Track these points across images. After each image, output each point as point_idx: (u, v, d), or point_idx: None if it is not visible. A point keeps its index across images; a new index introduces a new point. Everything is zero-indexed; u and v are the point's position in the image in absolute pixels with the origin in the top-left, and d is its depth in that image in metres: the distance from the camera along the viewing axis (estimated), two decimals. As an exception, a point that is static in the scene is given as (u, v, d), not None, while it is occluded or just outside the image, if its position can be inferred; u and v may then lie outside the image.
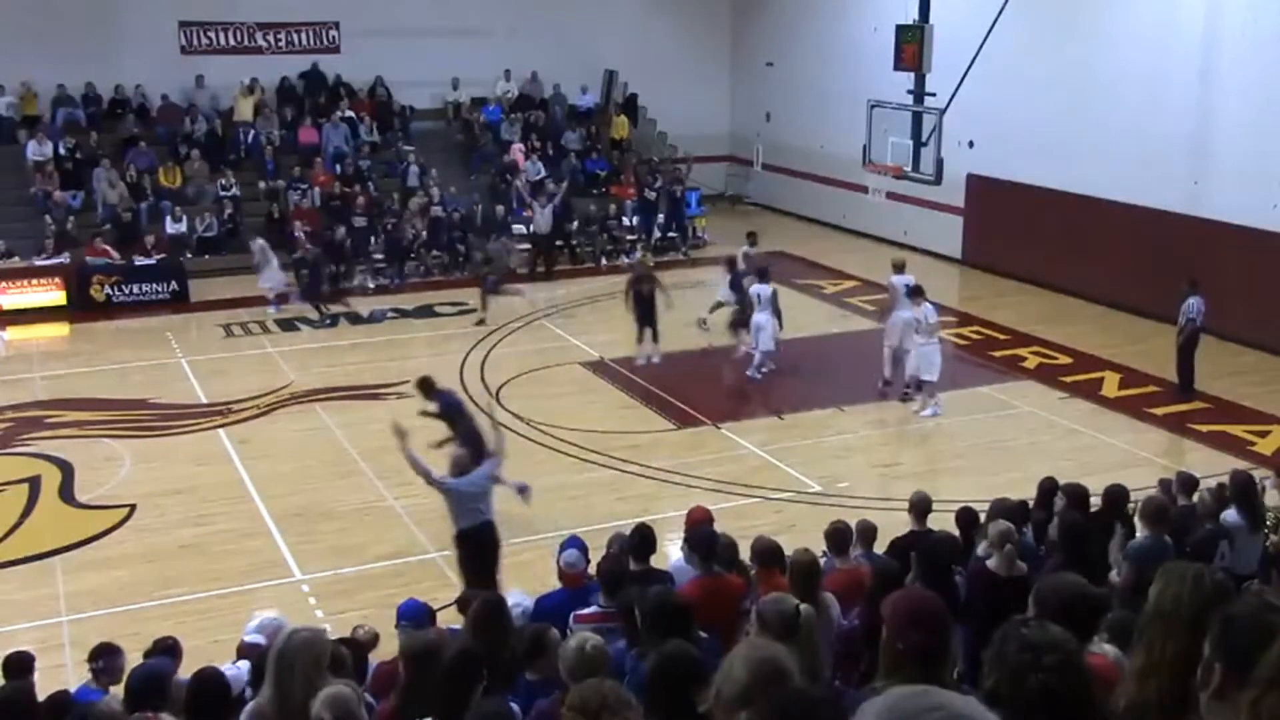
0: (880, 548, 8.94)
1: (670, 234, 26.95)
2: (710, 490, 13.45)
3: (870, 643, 5.41)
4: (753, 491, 13.71)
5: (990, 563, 7.55)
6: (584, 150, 28.85)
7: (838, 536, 8.33)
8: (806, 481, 14.04)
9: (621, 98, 30.39)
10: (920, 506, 9.34)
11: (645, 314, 18.16)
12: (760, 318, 17.51)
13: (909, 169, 20.78)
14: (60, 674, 9.16)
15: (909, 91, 20.73)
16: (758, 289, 17.61)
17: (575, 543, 8.65)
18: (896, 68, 20.83)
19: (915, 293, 16.38)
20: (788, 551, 7.45)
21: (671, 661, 4.09)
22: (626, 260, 25.46)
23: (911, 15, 20.78)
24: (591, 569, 8.32)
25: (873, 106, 21.43)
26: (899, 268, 18.01)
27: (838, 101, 26.36)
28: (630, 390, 17.49)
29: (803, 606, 5.16)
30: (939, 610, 3.68)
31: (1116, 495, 9.37)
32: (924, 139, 20.31)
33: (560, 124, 29.30)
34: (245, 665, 7.24)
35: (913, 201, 24.73)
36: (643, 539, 8.26)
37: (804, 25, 29.22)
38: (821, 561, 7.50)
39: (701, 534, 8.06)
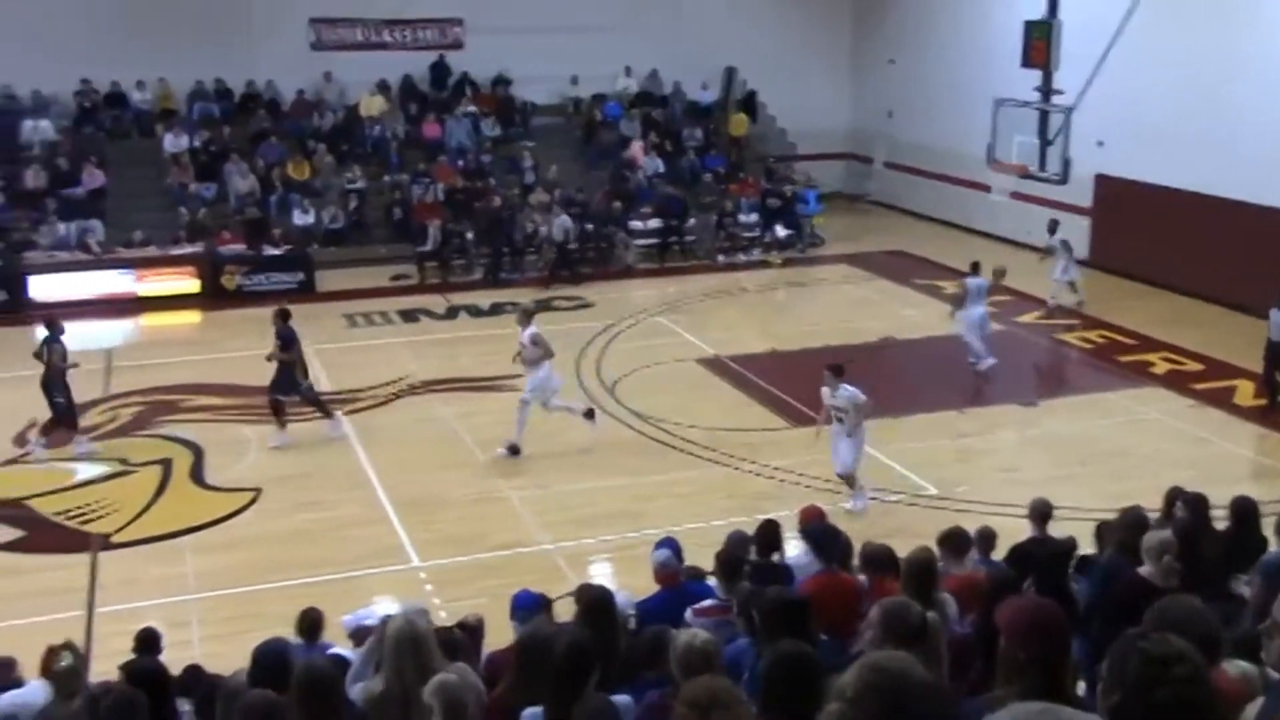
0: (1000, 554, 8.75)
1: (787, 232, 26.76)
2: (822, 490, 13.35)
3: (984, 651, 5.31)
4: (871, 494, 13.56)
5: (1145, 571, 7.22)
6: (703, 147, 28.84)
7: (954, 541, 8.17)
8: (922, 484, 13.85)
9: (741, 94, 30.32)
10: (1040, 512, 9.13)
11: None
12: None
13: (1035, 168, 20.36)
14: (188, 650, 9.45)
15: (1036, 89, 20.35)
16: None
17: (669, 544, 8.63)
18: (1024, 64, 20.45)
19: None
20: (901, 554, 7.34)
21: (787, 661, 4.07)
22: (743, 258, 25.43)
23: (1040, 10, 20.37)
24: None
25: (999, 104, 21.05)
26: (974, 269, 18.04)
27: (962, 99, 25.94)
28: (746, 388, 17.45)
29: (929, 614, 5.03)
30: (1059, 619, 3.59)
31: (1244, 507, 9.04)
32: (1051, 138, 19.89)
33: (680, 120, 29.35)
34: (346, 649, 7.39)
35: (1038, 201, 24.18)
36: (768, 534, 8.25)
37: (929, 21, 28.79)
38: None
39: (822, 528, 7.98)
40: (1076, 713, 2.05)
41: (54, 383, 15.05)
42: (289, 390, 15.39)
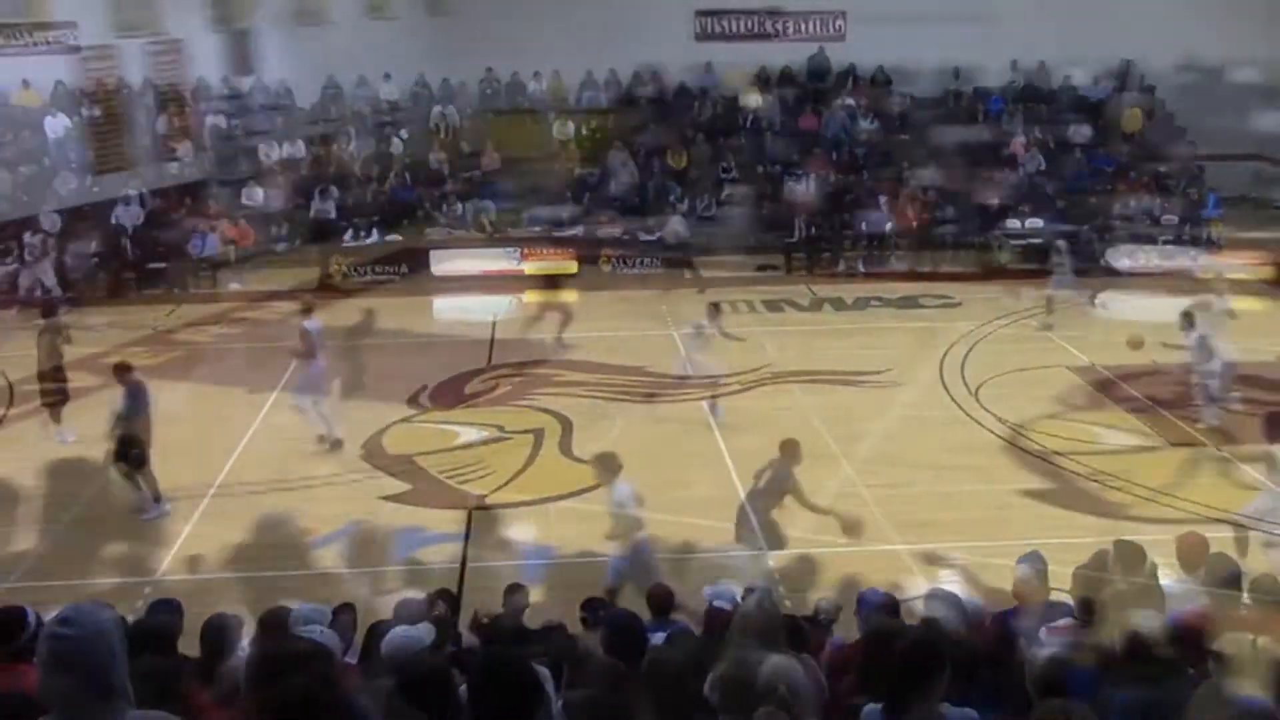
0: None
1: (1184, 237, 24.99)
2: (1195, 519, 12.38)
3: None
4: (1253, 524, 12.49)
5: None
6: (1092, 144, 27.38)
7: None
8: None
9: (1137, 88, 28.52)
10: None
11: None
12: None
13: None
14: (549, 614, 9.94)
15: None
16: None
17: (1033, 559, 8.27)
18: None
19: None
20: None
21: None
22: (1128, 262, 23.96)
23: None
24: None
25: None
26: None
27: None
28: (1121, 401, 16.49)
29: None
30: None
31: None
32: None
33: (1066, 116, 27.98)
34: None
35: None
36: (1130, 553, 7.80)
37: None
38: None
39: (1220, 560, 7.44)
40: None
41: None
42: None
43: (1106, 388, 16.99)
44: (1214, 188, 26.25)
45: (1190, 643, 5.25)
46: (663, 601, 8.07)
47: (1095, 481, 13.76)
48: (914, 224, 24.17)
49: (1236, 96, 28.70)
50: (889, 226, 24.28)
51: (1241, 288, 20.32)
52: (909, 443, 14.90)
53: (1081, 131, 27.50)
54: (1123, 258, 24.12)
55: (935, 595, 7.26)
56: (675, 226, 23.51)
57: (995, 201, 24.85)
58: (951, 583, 10.91)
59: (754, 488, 11.89)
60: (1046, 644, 6.39)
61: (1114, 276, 23.37)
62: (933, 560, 11.97)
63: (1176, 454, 14.63)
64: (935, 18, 26.66)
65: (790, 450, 11.61)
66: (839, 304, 21.84)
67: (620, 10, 27.42)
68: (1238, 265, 22.61)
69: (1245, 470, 13.90)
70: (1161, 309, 17.42)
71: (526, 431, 15.70)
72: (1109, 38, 27.72)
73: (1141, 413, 15.95)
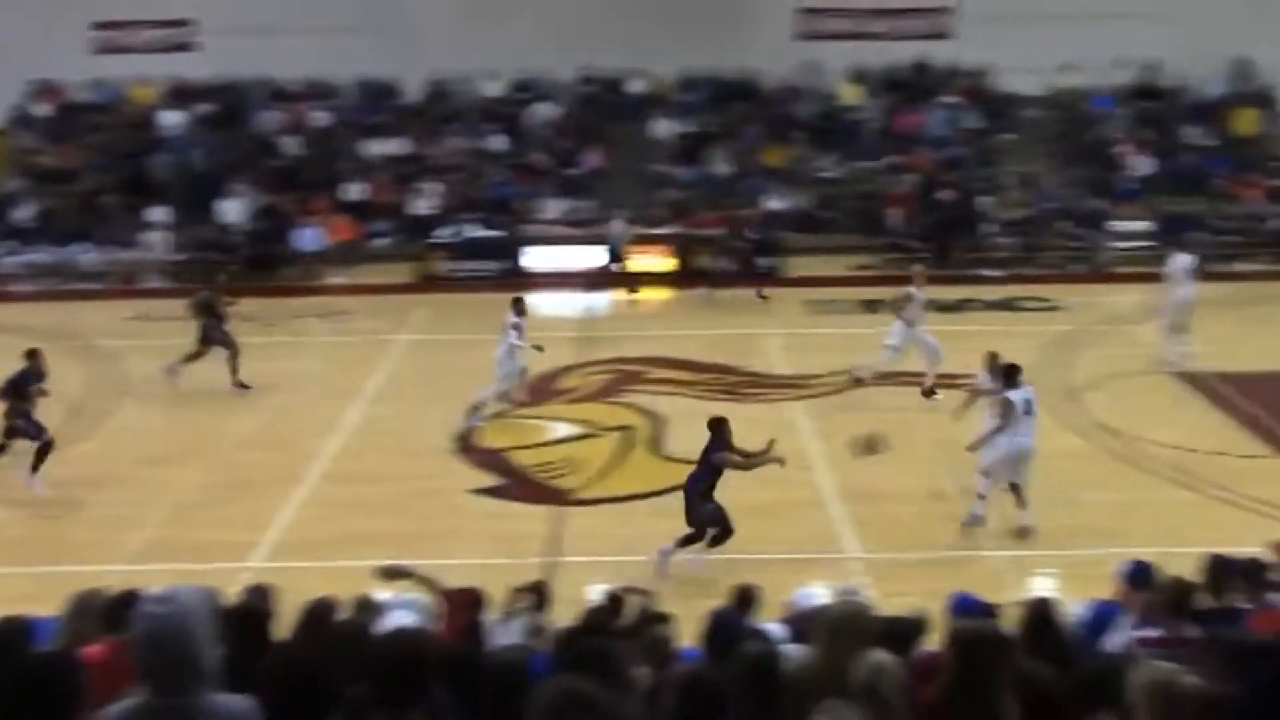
0: None
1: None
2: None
3: None
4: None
5: None
6: (1206, 146, 26.58)
7: None
8: None
9: (1255, 88, 27.66)
10: None
11: None
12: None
13: None
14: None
15: None
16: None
17: (1137, 565, 8.06)
18: None
19: None
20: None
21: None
22: (1245, 267, 23.26)
23: None
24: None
25: None
26: None
27: None
28: (1226, 408, 16.02)
29: None
30: None
31: None
32: None
33: (1180, 116, 27.25)
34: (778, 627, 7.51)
35: None
36: (1214, 571, 7.57)
37: None
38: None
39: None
40: None
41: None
42: None
43: (1212, 393, 16.49)
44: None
45: None
46: (748, 600, 8.05)
47: (1196, 489, 13.38)
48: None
49: None
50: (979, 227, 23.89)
51: None
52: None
53: (1194, 133, 26.73)
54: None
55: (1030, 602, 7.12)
56: (616, 228, 23.16)
57: (1101, 203, 24.27)
58: (1046, 592, 10.70)
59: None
60: (1140, 655, 6.23)
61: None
62: (1024, 567, 11.76)
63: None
64: (1045, 14, 26.05)
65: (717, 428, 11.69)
66: (935, 305, 21.46)
67: (725, 7, 27.29)
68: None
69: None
70: None
71: (618, 428, 15.74)
72: (1226, 35, 26.91)
73: (1247, 420, 15.48)
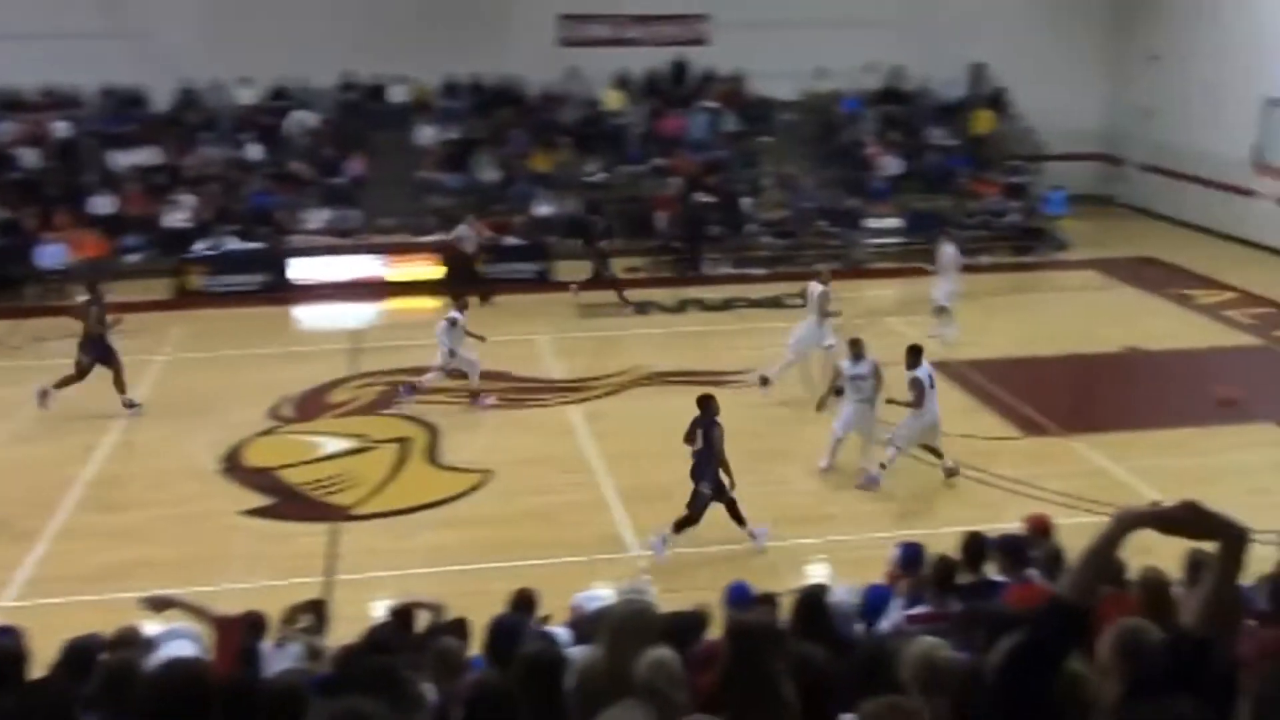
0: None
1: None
2: (1055, 504, 12.82)
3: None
4: (1103, 509, 12.96)
5: None
6: (947, 146, 28.12)
7: (1197, 565, 7.72)
8: (1166, 504, 13.10)
9: (988, 91, 29.41)
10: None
11: None
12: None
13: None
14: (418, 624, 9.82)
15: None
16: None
17: (909, 547, 8.47)
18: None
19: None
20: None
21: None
22: (986, 260, 24.70)
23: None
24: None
25: (1271, 105, 19.78)
26: None
27: (1228, 99, 24.45)
28: (978, 394, 16.96)
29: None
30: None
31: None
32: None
33: (924, 118, 28.72)
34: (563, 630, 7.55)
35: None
36: (972, 547, 8.00)
37: (1194, 17, 27.25)
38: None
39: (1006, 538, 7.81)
40: None
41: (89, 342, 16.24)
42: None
43: (964, 380, 17.44)
44: (1059, 185, 27.23)
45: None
46: (527, 603, 8.09)
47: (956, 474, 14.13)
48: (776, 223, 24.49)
49: (1080, 98, 29.80)
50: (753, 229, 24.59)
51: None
52: (785, 442, 15.12)
53: (938, 134, 28.22)
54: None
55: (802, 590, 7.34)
56: (461, 231, 23.15)
57: (854, 201, 25.32)
58: (820, 577, 11.09)
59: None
60: (908, 630, 6.52)
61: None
62: (798, 555, 12.15)
63: (1028, 443, 15.08)
64: (795, 22, 27.04)
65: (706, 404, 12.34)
66: (704, 304, 22.04)
67: (486, 15, 27.15)
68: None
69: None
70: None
71: (392, 440, 15.49)
72: (962, 41, 28.52)
73: (998, 405, 16.42)
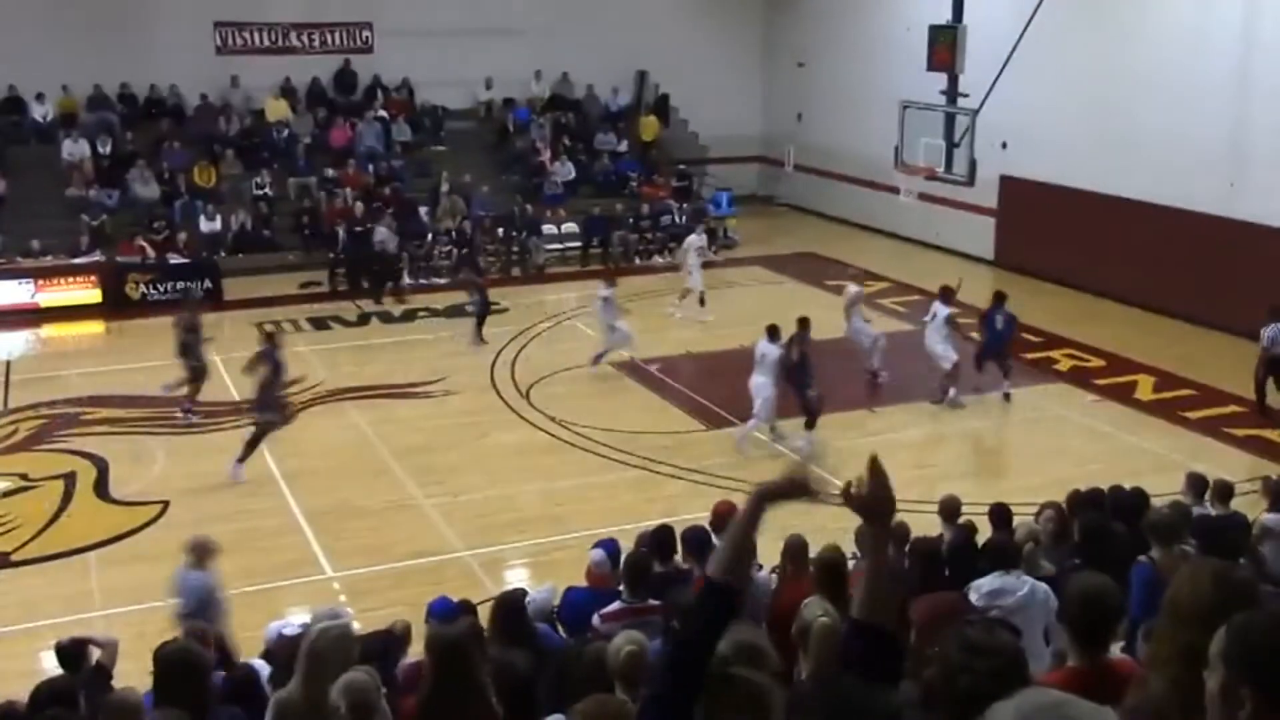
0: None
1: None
2: (740, 492, 13.38)
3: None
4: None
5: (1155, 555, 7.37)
6: (618, 151, 28.85)
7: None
8: (838, 483, 13.90)
9: (653, 98, 30.39)
10: (948, 509, 9.28)
11: None
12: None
13: (941, 170, 20.68)
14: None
15: (942, 92, 20.64)
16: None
17: (607, 545, 8.64)
18: (930, 68, 20.74)
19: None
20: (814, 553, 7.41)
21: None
22: (660, 261, 25.49)
23: (945, 15, 20.71)
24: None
25: (905, 107, 21.33)
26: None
27: (869, 102, 26.24)
28: (661, 391, 17.49)
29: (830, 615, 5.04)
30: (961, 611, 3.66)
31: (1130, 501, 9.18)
32: (957, 140, 20.21)
33: (593, 125, 29.34)
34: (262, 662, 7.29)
35: (945, 203, 24.60)
36: (662, 540, 8.25)
37: (836, 25, 29.12)
38: (851, 564, 7.44)
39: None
40: (1086, 702, 2.09)
41: None
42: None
43: (647, 379, 17.94)
44: (725, 187, 28.46)
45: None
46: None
47: (642, 469, 14.51)
48: (456, 234, 24.37)
49: (739, 103, 31.22)
50: (435, 239, 24.39)
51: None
52: (466, 450, 15.10)
53: (608, 140, 28.88)
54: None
55: (501, 596, 7.35)
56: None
57: (530, 208, 25.58)
58: (520, 582, 11.16)
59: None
60: (602, 629, 6.67)
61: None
62: (497, 562, 12.19)
63: (712, 435, 15.70)
64: (461, 31, 27.09)
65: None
66: (386, 317, 21.71)
67: (133, 21, 25.64)
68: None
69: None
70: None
71: (55, 477, 14.42)
72: (626, 49, 29.32)
73: (681, 400, 17.01)
